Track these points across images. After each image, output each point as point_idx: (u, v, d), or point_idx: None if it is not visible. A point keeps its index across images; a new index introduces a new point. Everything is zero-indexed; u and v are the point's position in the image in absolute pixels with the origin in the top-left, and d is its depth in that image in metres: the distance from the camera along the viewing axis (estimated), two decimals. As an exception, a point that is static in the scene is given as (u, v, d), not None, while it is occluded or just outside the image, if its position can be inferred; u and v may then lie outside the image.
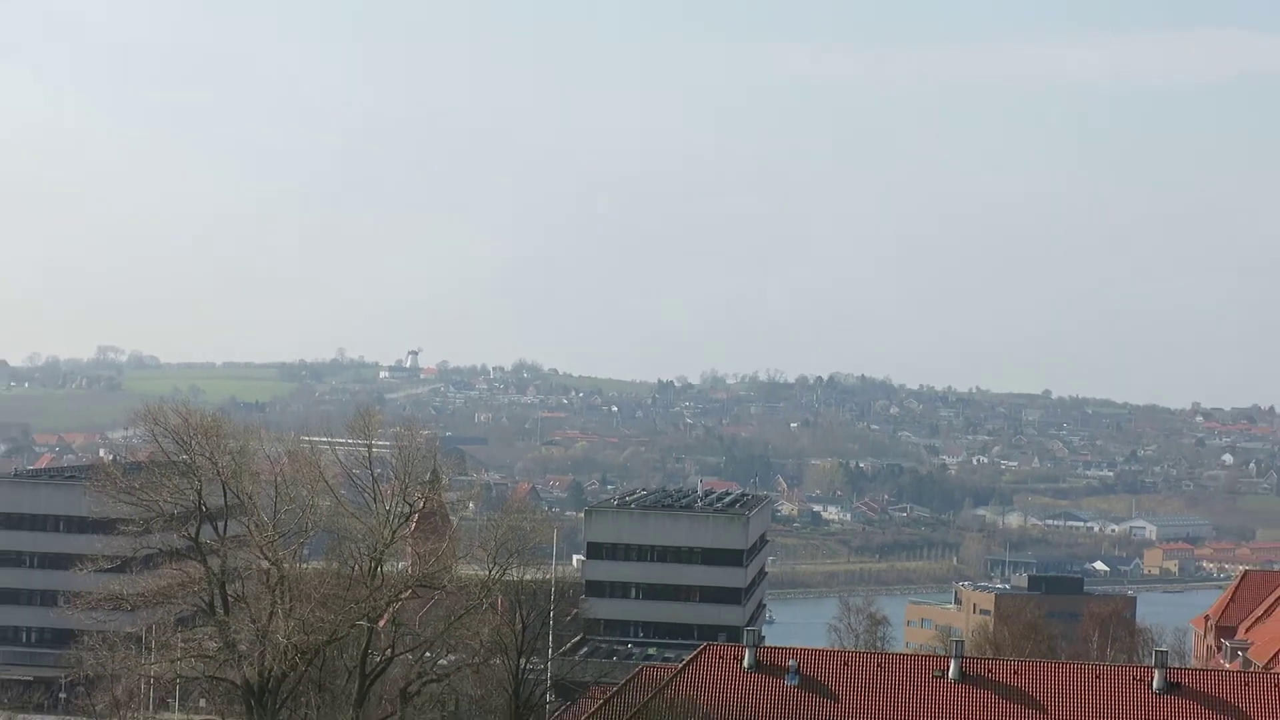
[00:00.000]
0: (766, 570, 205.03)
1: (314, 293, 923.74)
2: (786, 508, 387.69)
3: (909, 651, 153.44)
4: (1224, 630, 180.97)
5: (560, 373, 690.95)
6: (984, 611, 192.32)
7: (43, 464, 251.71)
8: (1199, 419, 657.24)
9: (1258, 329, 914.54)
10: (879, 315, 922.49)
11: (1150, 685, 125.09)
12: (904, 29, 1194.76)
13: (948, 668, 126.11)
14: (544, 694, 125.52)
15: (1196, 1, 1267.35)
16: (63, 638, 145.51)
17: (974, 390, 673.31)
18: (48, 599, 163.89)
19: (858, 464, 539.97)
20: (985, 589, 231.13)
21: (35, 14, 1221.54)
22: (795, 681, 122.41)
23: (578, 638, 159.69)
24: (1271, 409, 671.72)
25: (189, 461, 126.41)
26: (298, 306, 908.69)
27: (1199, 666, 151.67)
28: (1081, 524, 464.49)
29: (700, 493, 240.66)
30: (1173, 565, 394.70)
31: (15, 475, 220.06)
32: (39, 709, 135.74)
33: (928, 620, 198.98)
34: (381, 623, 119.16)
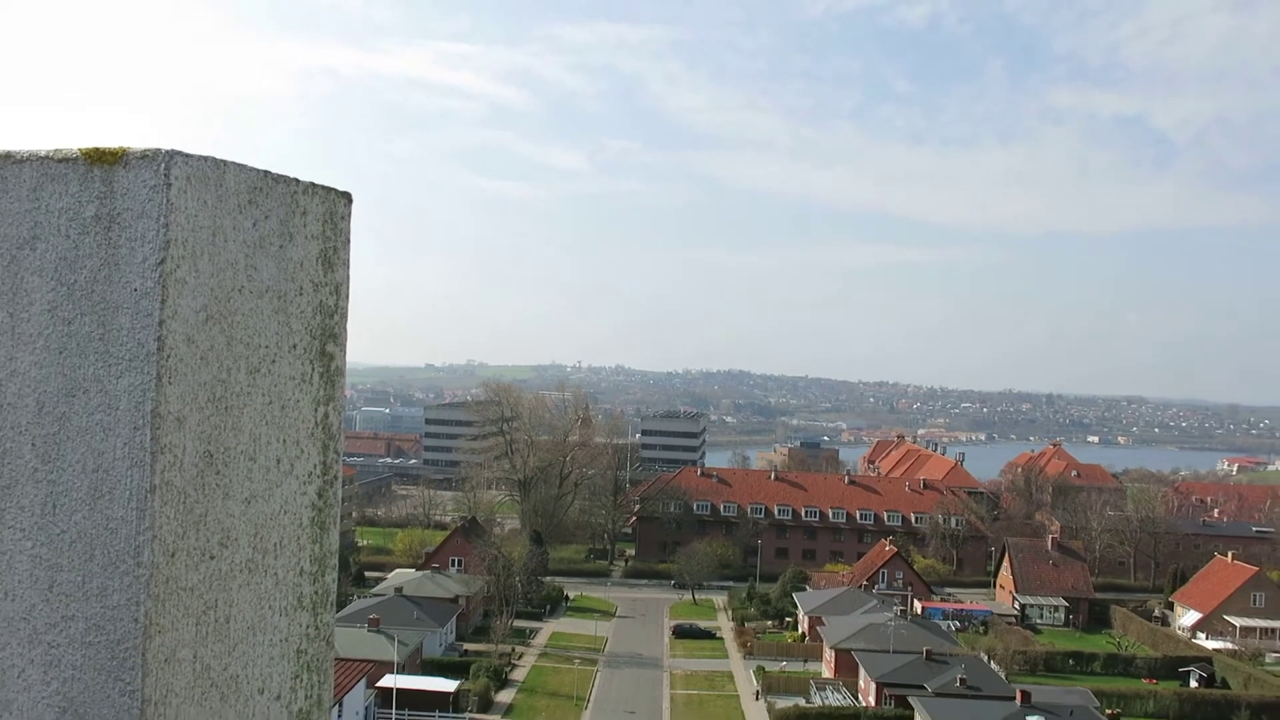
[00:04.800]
0: (705, 440, 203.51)
1: (547, 334, 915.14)
2: (713, 418, 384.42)
3: (758, 469, 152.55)
4: (870, 461, 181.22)
5: (631, 369, 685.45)
6: (784, 455, 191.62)
7: (445, 401, 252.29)
8: (861, 383, 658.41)
9: (885, 332, 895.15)
10: (754, 346, 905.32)
11: (844, 481, 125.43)
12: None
13: (772, 475, 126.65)
14: (628, 483, 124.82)
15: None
16: (456, 465, 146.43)
17: (782, 374, 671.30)
18: (446, 449, 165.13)
19: (737, 402, 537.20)
20: (786, 447, 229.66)
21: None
22: (715, 479, 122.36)
23: (639, 463, 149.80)
24: (888, 381, 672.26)
25: (499, 401, 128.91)
26: (539, 340, 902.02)
27: (862, 475, 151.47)
28: (820, 425, 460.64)
29: (681, 412, 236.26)
30: (852, 438, 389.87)
31: (438, 405, 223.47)
32: (444, 490, 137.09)
33: (764, 458, 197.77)
34: (567, 458, 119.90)
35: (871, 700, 65.74)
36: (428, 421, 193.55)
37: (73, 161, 1.39)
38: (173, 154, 1.34)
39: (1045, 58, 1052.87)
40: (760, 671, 72.86)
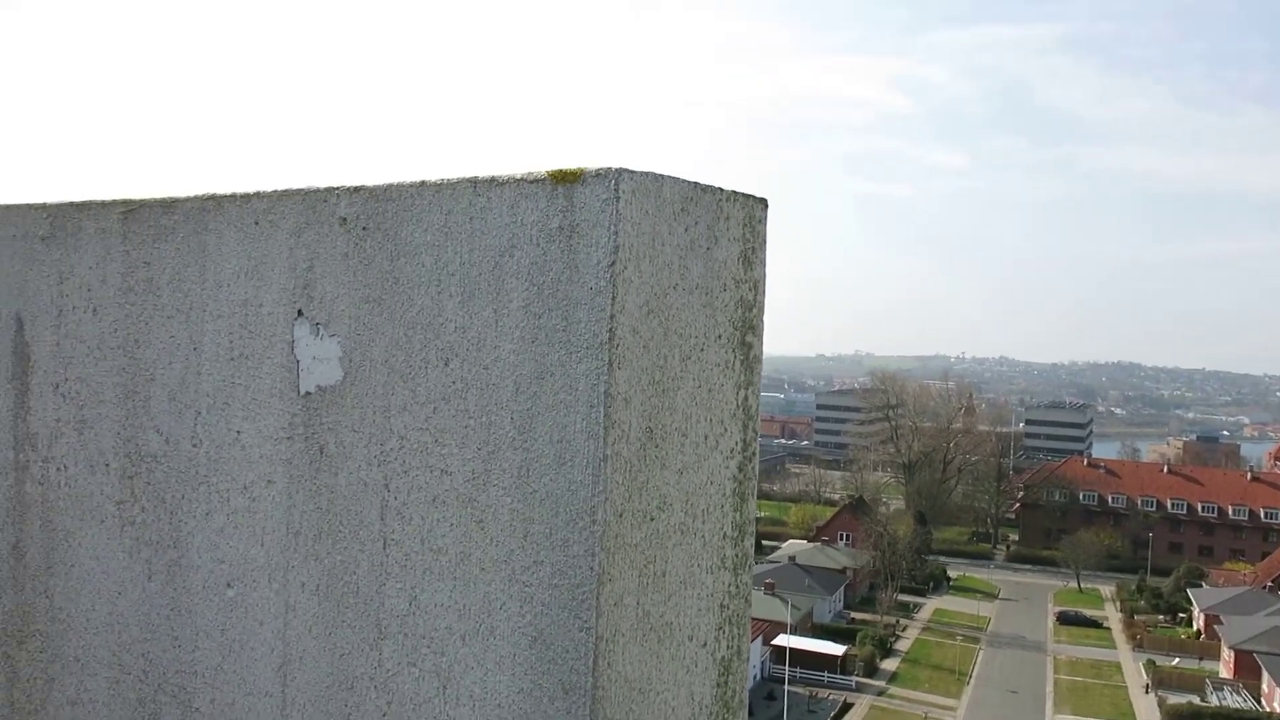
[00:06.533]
0: (1092, 431, 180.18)
1: (931, 325, 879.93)
2: (1100, 409, 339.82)
3: (1149, 461, 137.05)
4: (1278, 458, 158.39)
5: (1015, 359, 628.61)
6: (1178, 448, 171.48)
7: (835, 388, 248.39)
8: (1267, 377, 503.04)
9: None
10: (1145, 337, 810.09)
11: (1247, 477, 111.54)
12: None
13: (1165, 468, 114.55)
14: (1011, 470, 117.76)
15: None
16: (844, 447, 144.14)
17: (1175, 365, 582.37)
18: (835, 433, 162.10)
19: (1126, 394, 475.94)
20: (1180, 440, 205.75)
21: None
22: (1103, 470, 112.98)
23: (1023, 452, 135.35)
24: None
25: (885, 389, 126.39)
26: (923, 332, 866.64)
27: (1268, 471, 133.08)
28: (1218, 419, 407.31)
29: (1067, 403, 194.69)
30: (1256, 434, 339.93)
31: (829, 392, 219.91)
32: (833, 470, 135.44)
33: (1155, 451, 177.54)
34: (950, 444, 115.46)
35: (1278, 706, 58.22)
36: (819, 406, 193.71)
37: (541, 182, 1.51)
38: (621, 171, 1.45)
39: None
40: (1150, 665, 66.82)
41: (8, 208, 2.31)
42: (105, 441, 2.14)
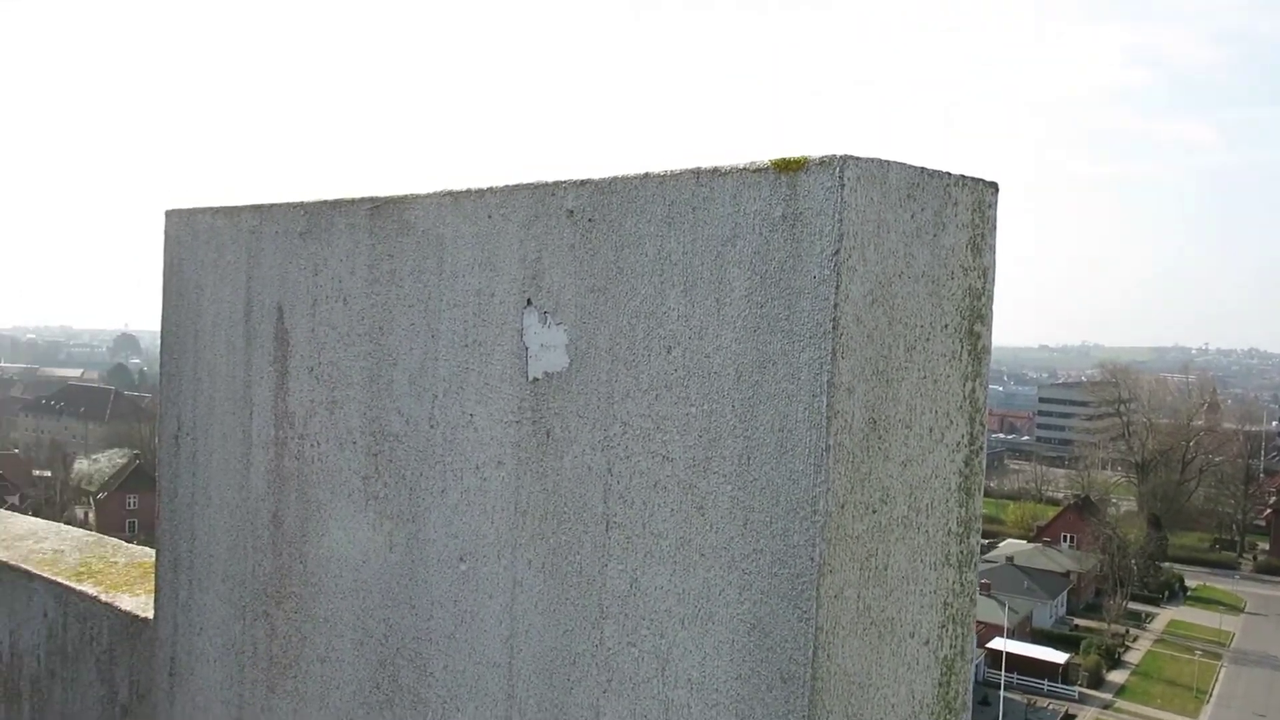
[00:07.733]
0: None
1: (1168, 314, 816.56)
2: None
3: None
4: None
5: (1268, 351, 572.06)
6: None
7: (1059, 381, 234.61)
8: None
9: None
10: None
11: None
12: None
13: None
14: (1261, 473, 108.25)
15: None
16: (1069, 443, 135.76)
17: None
18: (1059, 428, 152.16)
19: None
20: None
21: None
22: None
23: (1275, 452, 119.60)
24: None
25: (1115, 382, 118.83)
26: (1159, 321, 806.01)
27: None
28: None
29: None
30: None
31: (1052, 385, 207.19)
32: (1056, 467, 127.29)
33: None
34: (1190, 443, 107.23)
35: None
36: (1041, 400, 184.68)
37: (764, 171, 1.52)
38: (846, 158, 1.45)
39: None
40: None
41: (272, 206, 2.58)
42: (353, 421, 2.32)
